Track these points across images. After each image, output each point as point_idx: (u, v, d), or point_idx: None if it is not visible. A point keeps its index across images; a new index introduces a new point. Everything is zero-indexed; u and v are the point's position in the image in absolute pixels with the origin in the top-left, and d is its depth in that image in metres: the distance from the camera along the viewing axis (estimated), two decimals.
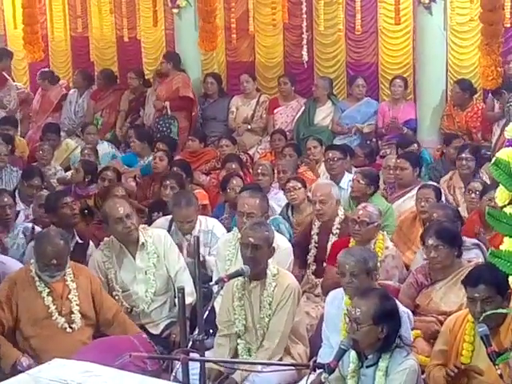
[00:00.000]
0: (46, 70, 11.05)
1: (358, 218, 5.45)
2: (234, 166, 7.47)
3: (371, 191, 6.51)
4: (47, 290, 4.91)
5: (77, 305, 4.93)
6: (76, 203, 6.29)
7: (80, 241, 5.99)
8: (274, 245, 4.93)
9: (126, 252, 5.51)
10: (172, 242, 5.65)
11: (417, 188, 6.40)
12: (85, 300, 4.98)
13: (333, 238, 5.92)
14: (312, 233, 6.05)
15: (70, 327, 4.89)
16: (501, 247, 3.41)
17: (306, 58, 9.43)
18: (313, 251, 6.01)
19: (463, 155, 7.14)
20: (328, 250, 5.84)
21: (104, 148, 9.21)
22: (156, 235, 5.57)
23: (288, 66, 9.88)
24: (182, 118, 9.43)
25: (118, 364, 3.97)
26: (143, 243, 5.49)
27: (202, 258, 5.74)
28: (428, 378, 4.22)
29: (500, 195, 3.44)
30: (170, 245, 5.60)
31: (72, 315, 4.91)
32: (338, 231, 5.94)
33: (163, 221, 6.25)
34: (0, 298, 4.86)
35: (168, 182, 6.90)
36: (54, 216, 6.15)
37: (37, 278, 4.92)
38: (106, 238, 5.64)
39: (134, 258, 5.50)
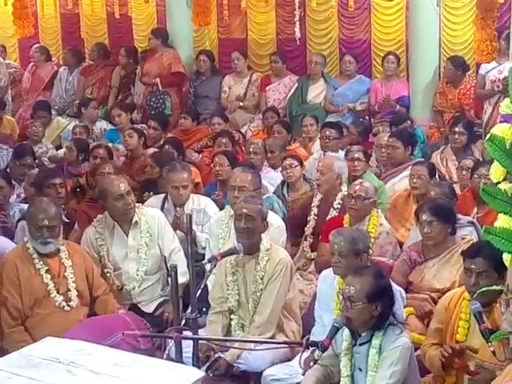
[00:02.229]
0: (42, 45, 10.99)
1: (355, 192, 5.48)
2: (224, 141, 7.45)
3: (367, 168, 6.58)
4: (45, 268, 4.88)
5: (73, 282, 4.92)
6: (64, 186, 6.24)
7: (66, 220, 5.96)
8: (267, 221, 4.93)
9: (119, 229, 5.50)
10: (166, 222, 5.64)
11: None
12: (80, 278, 4.97)
13: (333, 213, 5.94)
14: (312, 205, 6.07)
15: (68, 305, 4.88)
16: (495, 224, 3.40)
17: (298, 34, 9.35)
18: (311, 223, 6.02)
19: (456, 129, 7.19)
20: None
21: (102, 125, 9.17)
22: (150, 214, 5.56)
23: (280, 43, 9.84)
24: (173, 94, 9.39)
25: (110, 342, 3.95)
26: (137, 221, 5.48)
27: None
28: (423, 358, 4.22)
29: (494, 171, 3.42)
30: (165, 225, 5.59)
31: (69, 293, 4.90)
32: (339, 206, 5.95)
33: (156, 199, 6.23)
34: (7, 284, 4.82)
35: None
36: (39, 194, 6.14)
37: (35, 255, 4.89)
38: (99, 215, 5.62)
39: (127, 236, 5.49)
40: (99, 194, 5.68)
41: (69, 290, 4.90)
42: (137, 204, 5.64)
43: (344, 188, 6.03)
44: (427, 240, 5.02)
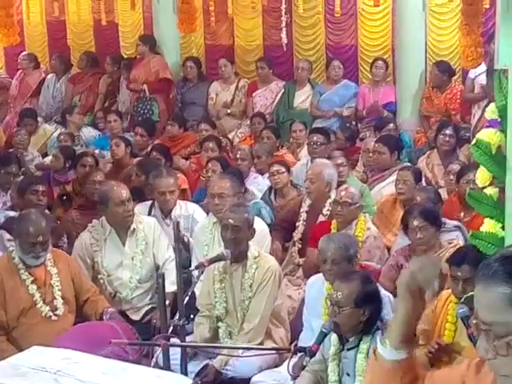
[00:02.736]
0: (30, 52, 10.97)
1: (341, 198, 5.47)
2: (211, 146, 7.44)
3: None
4: (31, 278, 4.82)
5: (59, 290, 4.87)
6: (47, 195, 6.19)
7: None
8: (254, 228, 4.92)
9: (116, 236, 5.48)
10: (162, 230, 5.63)
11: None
12: (66, 285, 4.92)
13: (322, 219, 5.92)
14: (301, 210, 6.05)
15: (55, 314, 4.82)
16: (481, 228, 3.41)
17: (285, 40, 9.35)
18: (300, 228, 6.00)
19: (447, 132, 7.20)
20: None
21: (89, 131, 9.16)
22: (146, 223, 5.56)
23: (267, 49, 9.84)
24: (161, 101, 9.40)
25: (102, 354, 3.91)
26: (134, 229, 5.46)
27: (186, 239, 5.74)
28: None
29: (481, 176, 3.43)
30: (160, 233, 5.58)
31: (55, 301, 4.84)
32: (328, 213, 5.92)
33: (142, 207, 6.21)
34: None
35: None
36: (21, 199, 6.10)
37: (21, 265, 4.82)
38: (94, 221, 5.59)
39: (123, 244, 5.47)
40: (100, 200, 5.60)
41: (55, 298, 4.85)
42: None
43: (333, 195, 6.01)
44: (420, 245, 5.00)
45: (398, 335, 2.07)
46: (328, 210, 5.93)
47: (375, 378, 2.13)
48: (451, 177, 6.27)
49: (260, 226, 5.50)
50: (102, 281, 5.39)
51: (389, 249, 5.69)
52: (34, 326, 4.77)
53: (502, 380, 1.86)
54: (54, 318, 4.82)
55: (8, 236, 5.58)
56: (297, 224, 6.03)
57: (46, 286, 4.86)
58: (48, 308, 4.82)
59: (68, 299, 4.92)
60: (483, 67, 7.75)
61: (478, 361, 1.98)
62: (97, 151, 8.44)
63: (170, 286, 4.46)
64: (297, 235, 6.01)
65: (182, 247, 5.34)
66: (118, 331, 4.57)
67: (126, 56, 10.43)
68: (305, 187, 6.12)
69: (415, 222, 4.99)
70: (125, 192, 5.44)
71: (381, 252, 5.48)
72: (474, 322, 1.84)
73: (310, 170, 6.13)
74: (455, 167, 6.30)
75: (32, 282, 4.82)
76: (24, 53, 10.84)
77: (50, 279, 4.88)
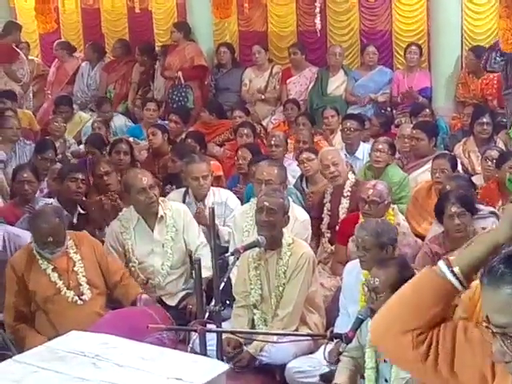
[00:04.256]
0: (63, 40, 11.03)
1: (368, 197, 5.31)
2: (245, 132, 7.44)
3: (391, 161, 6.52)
4: (51, 267, 4.84)
5: (83, 276, 4.87)
6: (86, 183, 6.21)
7: (82, 211, 6.02)
8: (291, 216, 4.93)
9: (144, 224, 5.49)
10: (192, 216, 5.64)
11: None
12: (91, 269, 4.93)
13: (344, 201, 5.93)
14: (324, 201, 6.05)
15: (81, 299, 4.84)
16: None
17: (319, 26, 9.28)
18: (326, 219, 6.00)
19: (484, 120, 7.11)
20: (340, 216, 5.86)
21: (119, 120, 9.19)
22: (175, 209, 5.55)
23: (301, 35, 9.80)
24: (195, 88, 9.41)
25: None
26: (162, 216, 5.47)
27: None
28: None
29: None
30: (190, 219, 5.59)
31: (80, 287, 4.86)
32: (349, 193, 5.93)
33: (177, 194, 6.24)
34: (13, 287, 4.82)
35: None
36: (59, 185, 6.17)
37: (38, 256, 4.84)
38: (124, 209, 5.62)
39: (152, 231, 5.48)
40: (123, 188, 5.68)
41: (80, 284, 4.86)
42: (162, 198, 5.64)
43: (351, 176, 6.03)
44: (458, 232, 4.94)
45: (471, 262, 2.00)
46: (348, 191, 5.95)
47: (422, 286, 2.07)
48: (489, 163, 6.19)
49: (302, 217, 5.52)
50: (133, 268, 5.41)
51: (423, 238, 5.62)
52: (63, 311, 4.79)
53: None
54: (80, 302, 4.83)
55: None
56: (322, 216, 6.02)
57: (68, 272, 4.86)
58: (73, 293, 4.83)
59: (95, 283, 4.93)
60: None
61: None
62: (131, 139, 8.47)
63: (205, 272, 4.46)
64: (324, 226, 6.00)
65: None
66: (155, 318, 4.59)
67: (159, 43, 10.43)
68: (329, 173, 6.03)
69: (453, 209, 4.93)
70: (146, 179, 5.43)
71: (411, 249, 5.35)
72: (485, 326, 1.82)
73: (330, 155, 6.09)
74: (493, 153, 6.22)
75: (53, 270, 4.84)
76: (57, 41, 10.90)
77: (73, 266, 4.88)
